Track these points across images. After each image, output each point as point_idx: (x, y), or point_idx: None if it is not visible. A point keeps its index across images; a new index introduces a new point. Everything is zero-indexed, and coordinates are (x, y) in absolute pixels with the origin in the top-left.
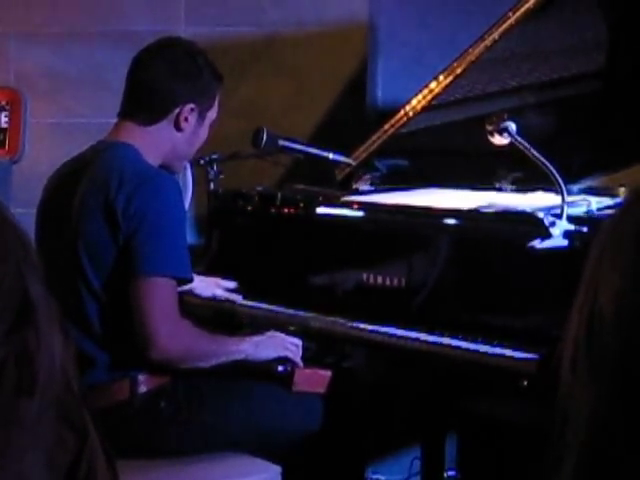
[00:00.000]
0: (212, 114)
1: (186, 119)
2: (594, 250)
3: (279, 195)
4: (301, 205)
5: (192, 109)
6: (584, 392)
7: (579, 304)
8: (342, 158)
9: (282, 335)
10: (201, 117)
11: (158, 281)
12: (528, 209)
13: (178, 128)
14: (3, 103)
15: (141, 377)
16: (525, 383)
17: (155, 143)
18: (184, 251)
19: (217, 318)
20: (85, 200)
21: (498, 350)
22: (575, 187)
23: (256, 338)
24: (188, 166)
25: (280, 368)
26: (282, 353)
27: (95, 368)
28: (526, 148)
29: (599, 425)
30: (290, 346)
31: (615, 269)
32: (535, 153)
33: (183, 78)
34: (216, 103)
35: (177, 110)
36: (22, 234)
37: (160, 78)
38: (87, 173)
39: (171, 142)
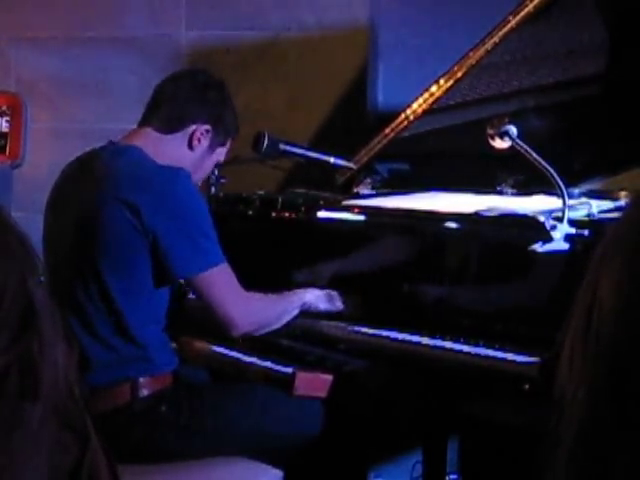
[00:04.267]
0: (220, 153)
1: (199, 140)
2: (598, 250)
3: (280, 199)
4: (302, 209)
5: (207, 131)
6: (579, 380)
7: (580, 298)
8: (343, 162)
9: (337, 294)
10: (212, 147)
11: (216, 271)
12: (529, 213)
13: (190, 146)
14: (4, 108)
15: (142, 380)
16: (527, 387)
17: (165, 152)
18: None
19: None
20: (103, 207)
21: (500, 354)
22: (576, 190)
23: (317, 291)
24: None
25: (281, 371)
26: (335, 309)
27: (97, 370)
28: (527, 151)
29: (592, 413)
30: (339, 305)
31: (616, 261)
32: (536, 156)
33: (207, 100)
34: (227, 146)
35: (193, 127)
36: (25, 240)
37: (185, 93)
38: (100, 177)
39: (179, 158)
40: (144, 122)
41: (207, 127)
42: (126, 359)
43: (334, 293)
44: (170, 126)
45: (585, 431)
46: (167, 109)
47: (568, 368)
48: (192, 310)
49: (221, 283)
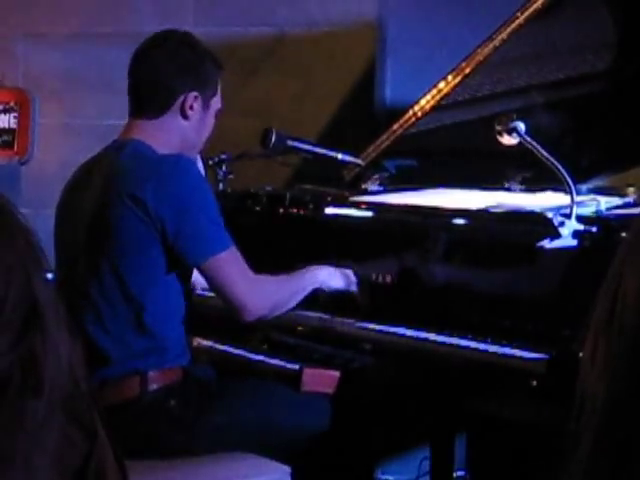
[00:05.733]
0: (216, 103)
1: (191, 107)
2: (623, 243)
3: (288, 195)
4: (309, 205)
5: (196, 97)
6: (601, 375)
7: (603, 291)
8: (351, 158)
9: (351, 272)
10: (206, 105)
11: (225, 256)
12: (537, 209)
13: (185, 117)
14: (12, 104)
15: (152, 373)
16: (534, 383)
17: (165, 136)
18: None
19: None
20: (112, 204)
21: (507, 350)
22: (584, 187)
23: (330, 268)
24: (199, 158)
25: (289, 368)
26: (350, 288)
27: (108, 364)
28: (535, 148)
29: (614, 406)
30: (353, 285)
31: None
32: (544, 153)
33: (183, 67)
34: (219, 91)
35: (181, 99)
36: (31, 236)
37: (160, 69)
38: (106, 175)
39: (180, 132)
40: (134, 114)
41: (194, 93)
42: (138, 352)
43: (348, 271)
44: (159, 109)
45: (606, 426)
46: (150, 94)
47: (590, 362)
48: (199, 308)
49: (230, 267)
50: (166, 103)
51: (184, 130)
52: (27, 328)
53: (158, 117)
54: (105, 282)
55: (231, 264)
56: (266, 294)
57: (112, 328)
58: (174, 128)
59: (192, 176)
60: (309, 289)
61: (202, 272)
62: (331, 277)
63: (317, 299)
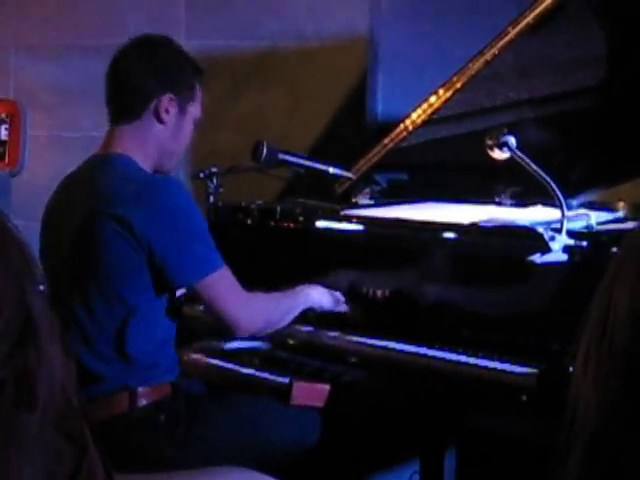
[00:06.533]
0: (195, 110)
1: (167, 110)
2: (613, 259)
3: (279, 209)
4: (300, 219)
5: (171, 99)
6: (593, 388)
7: (595, 305)
8: (342, 172)
9: (340, 294)
10: (182, 110)
11: (217, 275)
12: (528, 223)
13: (160, 121)
14: (3, 116)
15: (141, 390)
16: (525, 398)
17: (142, 143)
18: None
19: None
20: (96, 224)
21: (498, 365)
22: (574, 201)
23: (321, 289)
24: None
25: (279, 381)
26: (339, 309)
27: (95, 382)
28: (526, 162)
29: (606, 419)
30: (342, 306)
31: (631, 269)
32: (535, 167)
33: (157, 68)
34: (198, 97)
35: (155, 102)
36: (24, 248)
37: (132, 71)
38: (89, 192)
39: (156, 138)
40: (111, 121)
41: (169, 95)
42: (125, 371)
43: (338, 294)
44: (134, 113)
45: (598, 435)
46: (123, 98)
47: (582, 374)
48: (188, 322)
49: (222, 287)
50: (140, 106)
51: (160, 135)
52: (21, 341)
53: (133, 121)
54: (90, 302)
55: (222, 284)
56: (258, 311)
57: (98, 346)
58: (150, 134)
59: (179, 197)
60: (301, 308)
61: (194, 292)
62: (322, 297)
63: (307, 316)
